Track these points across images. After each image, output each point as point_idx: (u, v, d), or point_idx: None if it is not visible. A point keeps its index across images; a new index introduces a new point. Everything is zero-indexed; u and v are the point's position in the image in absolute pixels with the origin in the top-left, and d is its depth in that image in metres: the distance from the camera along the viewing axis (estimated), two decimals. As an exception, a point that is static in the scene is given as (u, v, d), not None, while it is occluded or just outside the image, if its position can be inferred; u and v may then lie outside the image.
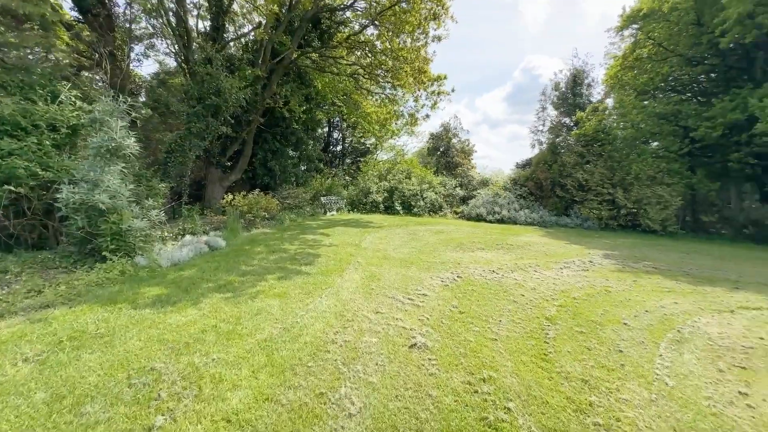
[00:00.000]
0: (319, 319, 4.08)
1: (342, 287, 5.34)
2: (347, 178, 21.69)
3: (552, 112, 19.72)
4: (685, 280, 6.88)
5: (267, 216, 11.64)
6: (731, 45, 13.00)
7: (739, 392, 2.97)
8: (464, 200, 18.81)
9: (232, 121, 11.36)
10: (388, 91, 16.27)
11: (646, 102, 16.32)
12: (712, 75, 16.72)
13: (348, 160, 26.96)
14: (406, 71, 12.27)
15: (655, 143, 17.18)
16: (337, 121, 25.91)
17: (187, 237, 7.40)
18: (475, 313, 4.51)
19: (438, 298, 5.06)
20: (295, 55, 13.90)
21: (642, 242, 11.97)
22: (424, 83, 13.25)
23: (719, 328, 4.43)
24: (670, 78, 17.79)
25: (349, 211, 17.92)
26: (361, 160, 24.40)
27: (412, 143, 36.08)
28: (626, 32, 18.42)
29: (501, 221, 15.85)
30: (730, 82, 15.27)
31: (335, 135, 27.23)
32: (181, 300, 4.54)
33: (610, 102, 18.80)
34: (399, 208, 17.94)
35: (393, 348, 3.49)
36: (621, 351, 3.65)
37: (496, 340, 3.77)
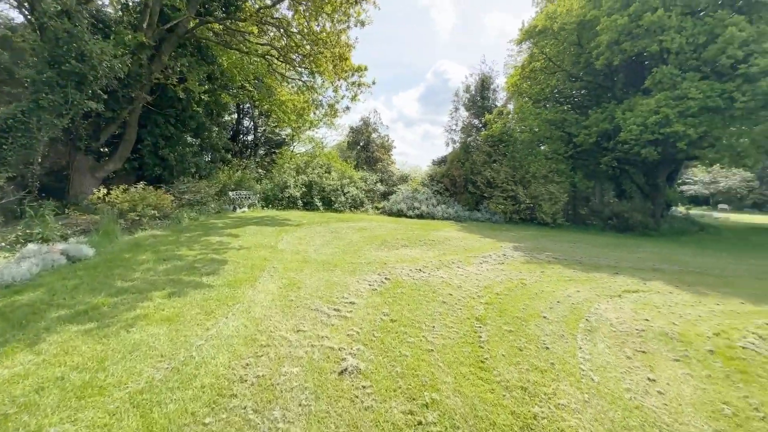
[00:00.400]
0: (223, 349, 3.24)
1: (254, 301, 4.50)
2: (261, 171, 19.82)
3: (464, 113, 21.03)
4: (579, 268, 7.76)
5: (158, 215, 9.69)
6: (604, 65, 15.37)
7: (648, 378, 3.20)
8: (385, 196, 18.85)
9: (105, 96, 9.05)
10: (305, 77, 15.13)
11: (539, 110, 18.44)
12: (583, 91, 19.77)
13: (261, 152, 24.72)
14: (325, 56, 11.42)
15: (543, 146, 19.68)
16: (248, 108, 23.50)
17: (32, 246, 5.51)
18: (408, 320, 4.19)
19: (367, 305, 4.61)
20: (191, 24, 11.84)
21: (539, 234, 13.48)
22: (345, 72, 12.58)
23: (615, 313, 4.94)
24: (556, 90, 20.55)
25: (263, 207, 16.33)
26: (276, 151, 22.55)
27: (332, 136, 35.07)
28: (524, 45, 20.61)
29: (420, 216, 16.27)
30: (599, 98, 18.25)
31: (246, 123, 24.68)
32: (7, 341, 3.18)
33: (512, 107, 20.85)
34: (319, 203, 17.05)
35: (320, 378, 2.90)
36: (548, 348, 3.70)
37: (432, 350, 3.48)
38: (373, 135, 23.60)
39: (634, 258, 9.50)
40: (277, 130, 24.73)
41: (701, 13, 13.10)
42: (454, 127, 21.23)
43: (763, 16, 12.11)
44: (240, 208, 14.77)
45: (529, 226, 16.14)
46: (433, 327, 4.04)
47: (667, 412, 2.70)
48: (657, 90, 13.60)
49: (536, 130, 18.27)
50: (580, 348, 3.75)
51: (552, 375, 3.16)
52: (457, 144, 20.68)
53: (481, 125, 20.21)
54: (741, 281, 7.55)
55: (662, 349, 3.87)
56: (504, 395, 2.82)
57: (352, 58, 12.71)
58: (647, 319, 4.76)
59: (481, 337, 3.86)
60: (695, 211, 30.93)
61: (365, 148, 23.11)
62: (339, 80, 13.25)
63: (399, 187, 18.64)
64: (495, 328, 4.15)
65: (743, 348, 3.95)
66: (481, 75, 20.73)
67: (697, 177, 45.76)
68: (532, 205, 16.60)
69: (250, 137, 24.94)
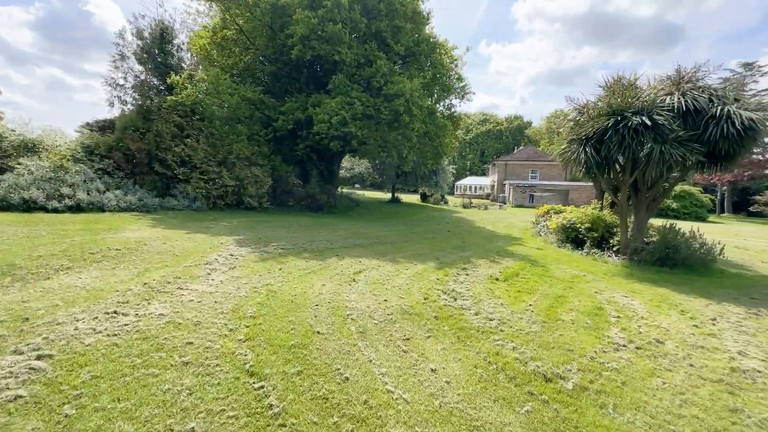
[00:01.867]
0: None
1: None
2: None
3: (137, 67, 15.80)
4: (309, 256, 7.86)
5: None
6: (297, 57, 16.33)
7: (432, 370, 3.44)
8: (-16, 175, 10.77)
9: None
10: None
11: (237, 85, 17.13)
12: (269, 77, 20.06)
13: None
14: None
15: (243, 126, 18.79)
16: None
17: None
18: (135, 442, 2.20)
19: (4, 456, 2.02)
20: None
21: (252, 221, 12.75)
22: None
23: (364, 302, 5.23)
24: (250, 70, 19.91)
25: None
26: None
27: None
28: (214, 7, 18.15)
29: (77, 208, 10.68)
30: (288, 87, 19.50)
31: None
32: None
33: (202, 73, 18.01)
34: None
35: None
36: (347, 378, 3.15)
37: (215, 489, 1.94)
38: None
39: (339, 237, 11.02)
40: None
41: (363, 38, 16.85)
42: (122, 82, 15.52)
43: (391, 58, 17.34)
44: None
45: (237, 212, 14.98)
46: (193, 430, 2.36)
47: (466, 402, 2.94)
48: (335, 93, 16.28)
49: (234, 107, 16.90)
50: (370, 361, 3.50)
51: (375, 420, 2.64)
52: (130, 106, 15.38)
53: (164, 88, 16.05)
54: (401, 244, 10.60)
55: (414, 329, 4.40)
56: (355, 501, 1.96)
57: None
58: (386, 300, 5.38)
59: (272, 406, 2.67)
60: (345, 190, 41.86)
61: None
62: None
63: (22, 161, 11.22)
64: (279, 377, 3.07)
65: (445, 305, 5.31)
66: (159, 22, 16.22)
67: (343, 164, 62.37)
68: (237, 188, 15.46)
69: None
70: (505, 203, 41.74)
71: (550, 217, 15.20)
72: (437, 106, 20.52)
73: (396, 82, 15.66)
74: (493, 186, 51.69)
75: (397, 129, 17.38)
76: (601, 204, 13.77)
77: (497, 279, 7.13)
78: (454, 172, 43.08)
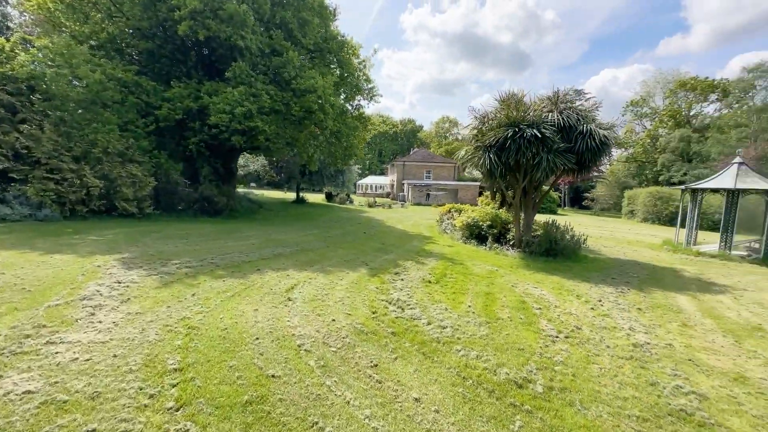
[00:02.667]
0: None
1: None
2: None
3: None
4: (225, 274, 6.71)
5: None
6: (186, 35, 13.82)
7: (415, 399, 3.19)
8: None
9: None
10: None
11: (101, 60, 13.58)
12: (140, 57, 16.55)
13: None
14: None
15: (111, 112, 15.06)
16: None
17: None
18: None
19: None
20: None
21: (134, 231, 10.30)
22: None
23: (310, 326, 4.65)
24: (112, 42, 16.01)
25: None
26: None
27: None
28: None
29: None
30: (171, 69, 16.42)
31: None
32: None
33: (36, 35, 13.71)
34: None
35: None
36: (322, 428, 2.66)
37: None
38: None
39: (252, 246, 9.79)
40: None
41: (267, 26, 15.32)
42: None
43: (299, 52, 16.29)
44: None
45: (108, 220, 11.94)
46: None
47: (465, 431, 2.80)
48: (236, 82, 14.46)
49: (97, 88, 13.36)
50: (348, 402, 3.05)
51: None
52: None
53: (-22, 52, 11.60)
54: (324, 251, 10.01)
55: (377, 351, 4.08)
56: None
57: None
58: (334, 319, 4.90)
59: (250, 499, 2.03)
60: (241, 190, 38.07)
61: None
62: None
63: None
64: (244, 452, 2.39)
65: (397, 318, 5.12)
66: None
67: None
68: (107, 190, 12.31)
69: None
70: (405, 201, 44.26)
71: (453, 215, 16.61)
72: (347, 106, 20.24)
73: (307, 77, 14.77)
74: (392, 185, 54.20)
75: (308, 126, 16.46)
76: (499, 203, 15.72)
77: (430, 282, 7.31)
78: (360, 171, 43.64)
